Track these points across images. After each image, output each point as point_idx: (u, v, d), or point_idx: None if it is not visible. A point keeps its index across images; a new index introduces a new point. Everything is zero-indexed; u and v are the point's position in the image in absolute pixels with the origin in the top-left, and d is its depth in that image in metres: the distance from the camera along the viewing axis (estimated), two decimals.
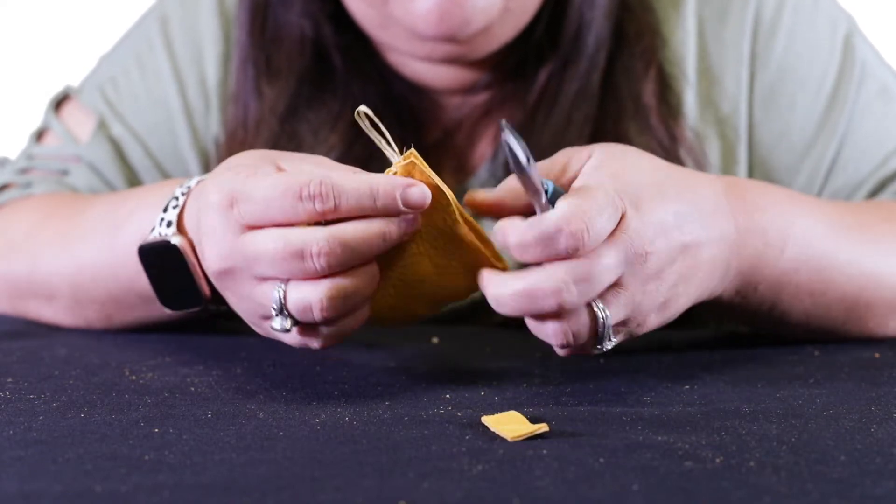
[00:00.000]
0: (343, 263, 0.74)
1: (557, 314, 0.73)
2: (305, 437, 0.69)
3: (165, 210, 0.85)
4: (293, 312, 0.75)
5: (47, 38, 2.12)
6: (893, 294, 0.91)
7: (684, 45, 1.05)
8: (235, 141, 1.05)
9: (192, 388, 0.80)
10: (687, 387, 0.80)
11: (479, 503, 0.59)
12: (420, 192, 0.75)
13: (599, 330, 0.75)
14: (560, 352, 0.77)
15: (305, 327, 0.76)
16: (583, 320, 0.74)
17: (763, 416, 0.73)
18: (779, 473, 0.62)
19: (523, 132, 1.03)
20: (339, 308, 0.74)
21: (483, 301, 1.05)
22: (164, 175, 1.10)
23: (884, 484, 0.61)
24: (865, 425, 0.71)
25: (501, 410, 0.72)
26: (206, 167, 1.09)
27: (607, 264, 0.73)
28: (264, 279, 0.75)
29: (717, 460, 0.64)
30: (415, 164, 0.76)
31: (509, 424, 0.69)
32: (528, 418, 0.70)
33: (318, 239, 0.73)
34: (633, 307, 0.76)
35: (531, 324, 0.75)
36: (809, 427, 0.71)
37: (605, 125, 1.02)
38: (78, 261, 0.95)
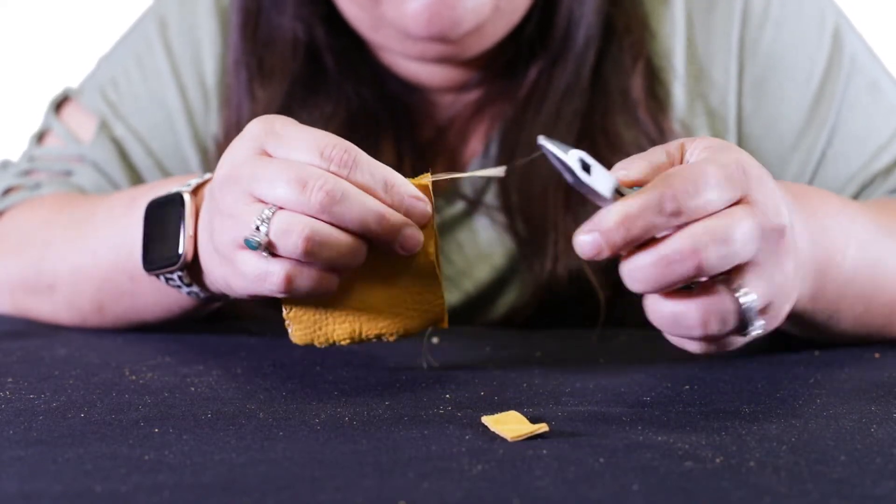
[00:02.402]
0: (336, 213, 0.73)
1: (695, 293, 0.69)
2: (305, 437, 0.69)
3: (190, 184, 0.87)
4: (273, 231, 0.74)
5: (47, 39, 2.12)
6: None
7: (672, 38, 1.05)
8: (229, 143, 1.05)
9: (192, 388, 0.80)
10: (687, 387, 0.80)
11: (479, 503, 0.59)
12: (425, 209, 0.76)
13: (744, 314, 0.70)
14: (698, 348, 0.72)
15: (273, 255, 0.75)
16: (727, 303, 0.70)
17: (763, 416, 0.73)
18: (779, 473, 0.62)
19: (513, 127, 1.04)
20: (316, 249, 0.73)
21: (481, 300, 1.06)
22: (166, 174, 1.10)
23: (884, 484, 0.61)
24: (865, 425, 0.71)
25: (501, 410, 0.72)
26: (207, 165, 1.09)
27: (743, 226, 0.69)
28: (259, 200, 0.75)
29: (717, 460, 0.64)
30: (428, 187, 0.77)
31: (509, 424, 0.70)
32: (528, 418, 0.71)
33: (325, 176, 0.74)
34: (774, 289, 0.72)
35: (668, 322, 0.70)
36: (809, 427, 0.71)
37: (594, 119, 1.02)
38: (85, 242, 0.96)
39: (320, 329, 0.79)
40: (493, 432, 0.69)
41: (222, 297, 0.89)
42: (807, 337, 0.91)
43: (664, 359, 0.88)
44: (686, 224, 0.68)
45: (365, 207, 0.74)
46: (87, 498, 0.60)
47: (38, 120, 1.14)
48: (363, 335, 0.79)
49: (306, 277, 0.75)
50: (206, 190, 0.84)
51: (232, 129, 1.05)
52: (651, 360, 0.87)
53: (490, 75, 1.06)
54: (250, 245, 0.74)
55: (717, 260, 0.68)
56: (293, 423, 0.72)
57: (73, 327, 1.00)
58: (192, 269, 0.86)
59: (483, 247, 1.05)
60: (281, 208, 0.74)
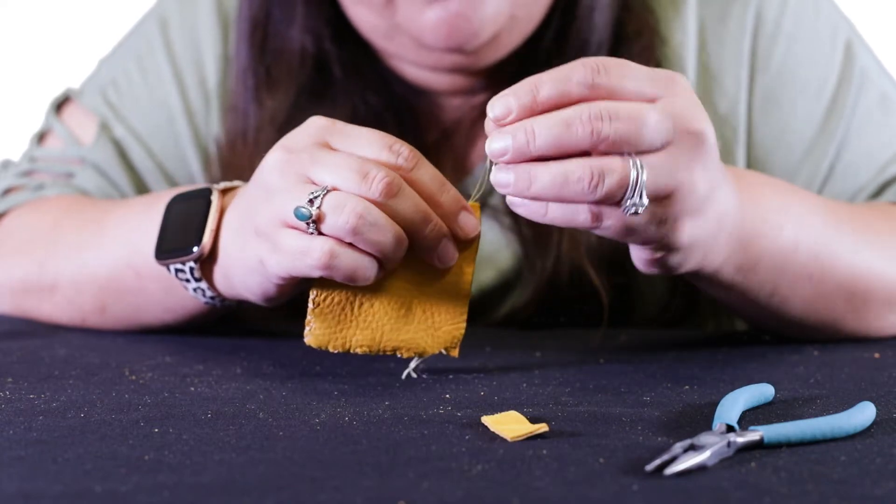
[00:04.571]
0: (391, 205, 0.76)
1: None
2: (305, 437, 0.69)
3: (219, 185, 0.90)
4: (326, 205, 0.75)
5: (47, 39, 2.12)
6: (890, 286, 0.91)
7: (684, 46, 1.05)
8: (235, 151, 1.05)
9: (192, 388, 0.80)
10: (687, 387, 0.80)
11: (479, 503, 0.59)
12: (473, 223, 0.79)
13: (632, 180, 0.72)
14: (580, 216, 0.74)
15: (319, 232, 0.76)
16: (615, 164, 0.72)
17: (763, 417, 0.73)
18: (779, 473, 0.62)
19: None
20: (365, 229, 0.75)
21: (483, 302, 1.06)
22: (167, 176, 1.10)
23: (884, 484, 0.61)
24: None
25: (501, 410, 0.72)
26: (207, 167, 1.09)
27: (650, 114, 0.72)
28: (314, 183, 0.77)
29: (718, 461, 0.64)
30: (478, 209, 0.80)
31: (509, 424, 0.70)
32: (528, 418, 0.71)
33: (386, 171, 0.77)
34: (674, 183, 0.74)
35: (559, 181, 0.72)
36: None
37: None
38: (92, 241, 0.97)
39: (341, 332, 0.80)
40: (493, 432, 0.69)
41: (225, 302, 0.89)
42: (764, 323, 0.93)
43: (664, 359, 0.88)
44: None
45: (419, 207, 0.77)
46: (87, 498, 0.60)
47: (38, 120, 1.14)
48: (382, 345, 0.80)
49: (348, 257, 0.76)
50: (239, 190, 0.87)
51: (237, 136, 1.05)
52: (651, 360, 0.87)
53: (498, 80, 1.06)
54: (299, 215, 0.76)
55: (613, 134, 0.71)
56: (293, 423, 0.72)
57: (73, 327, 0.99)
58: (204, 268, 0.87)
59: (487, 249, 1.05)
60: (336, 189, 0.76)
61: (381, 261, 0.78)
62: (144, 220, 0.93)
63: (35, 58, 2.12)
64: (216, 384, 0.81)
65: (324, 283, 0.79)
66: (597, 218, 0.74)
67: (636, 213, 0.73)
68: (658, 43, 1.04)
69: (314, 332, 0.80)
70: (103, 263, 0.95)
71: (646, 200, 0.73)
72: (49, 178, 1.10)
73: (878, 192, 1.03)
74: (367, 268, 0.77)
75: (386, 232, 0.76)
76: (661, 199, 0.74)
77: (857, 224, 0.92)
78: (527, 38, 1.01)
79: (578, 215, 0.74)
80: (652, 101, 0.74)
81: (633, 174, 0.72)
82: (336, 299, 0.79)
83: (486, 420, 0.71)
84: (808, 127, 1.04)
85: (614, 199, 0.73)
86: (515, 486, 0.61)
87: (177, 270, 0.88)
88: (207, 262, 0.87)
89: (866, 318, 0.92)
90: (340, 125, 0.80)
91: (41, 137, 1.13)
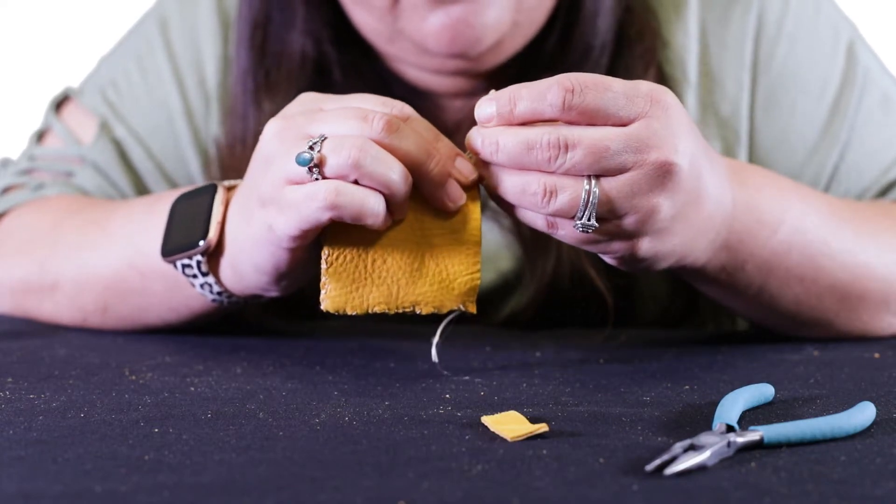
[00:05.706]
0: (393, 140, 0.77)
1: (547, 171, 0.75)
2: (305, 437, 0.69)
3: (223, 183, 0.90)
4: (326, 147, 0.76)
5: (47, 38, 2.12)
6: (886, 287, 0.91)
7: (685, 48, 1.05)
8: (234, 154, 1.05)
9: (192, 388, 0.80)
10: (687, 387, 0.80)
11: (479, 503, 0.59)
12: (470, 167, 0.79)
13: (582, 201, 0.74)
14: (543, 224, 0.77)
15: (323, 175, 0.77)
16: (567, 184, 0.74)
17: (763, 417, 0.73)
18: (779, 473, 0.62)
19: None
20: (366, 163, 0.76)
21: (484, 303, 1.06)
22: (166, 176, 1.10)
23: (884, 485, 0.61)
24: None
25: (501, 410, 0.72)
26: (207, 168, 1.09)
27: (613, 143, 0.73)
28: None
29: (717, 461, 0.64)
30: (472, 159, 0.80)
31: (509, 424, 0.70)
32: (528, 418, 0.71)
33: (383, 111, 0.78)
34: (631, 208, 0.75)
35: (517, 191, 0.76)
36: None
37: None
38: (95, 241, 0.97)
39: (357, 290, 0.79)
40: (493, 432, 0.69)
41: (232, 299, 0.89)
42: (756, 317, 0.93)
43: (664, 359, 0.88)
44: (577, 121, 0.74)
45: (420, 142, 0.78)
46: (87, 498, 0.60)
47: (38, 120, 1.14)
48: (399, 301, 0.79)
49: (354, 193, 0.76)
50: (242, 183, 0.87)
51: (237, 140, 1.05)
52: (651, 360, 0.87)
53: (500, 82, 1.05)
54: (301, 160, 0.76)
55: (568, 163, 0.74)
56: (293, 423, 0.72)
57: (73, 327, 0.99)
58: (211, 262, 0.87)
59: (487, 250, 1.05)
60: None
61: (388, 199, 0.77)
62: (147, 220, 0.93)
63: (35, 58, 2.12)
64: (216, 384, 0.81)
65: (335, 240, 0.79)
66: (552, 226, 0.77)
67: (586, 231, 0.75)
68: (660, 45, 1.04)
69: (330, 295, 0.79)
70: (106, 264, 0.95)
71: (594, 222, 0.75)
72: (49, 176, 1.10)
73: (882, 193, 1.03)
74: (374, 204, 0.77)
75: (389, 164, 0.76)
76: (619, 218, 0.76)
77: (858, 223, 0.92)
78: (530, 42, 1.01)
79: (537, 220, 0.77)
80: (627, 123, 0.75)
81: (583, 196, 0.74)
82: (348, 257, 0.79)
83: (486, 420, 0.71)
84: (811, 128, 1.04)
85: (567, 215, 0.75)
86: (515, 486, 0.61)
87: (184, 266, 0.88)
88: (214, 257, 0.87)
89: (861, 318, 0.92)
90: (331, 95, 0.81)
91: (40, 136, 1.13)
